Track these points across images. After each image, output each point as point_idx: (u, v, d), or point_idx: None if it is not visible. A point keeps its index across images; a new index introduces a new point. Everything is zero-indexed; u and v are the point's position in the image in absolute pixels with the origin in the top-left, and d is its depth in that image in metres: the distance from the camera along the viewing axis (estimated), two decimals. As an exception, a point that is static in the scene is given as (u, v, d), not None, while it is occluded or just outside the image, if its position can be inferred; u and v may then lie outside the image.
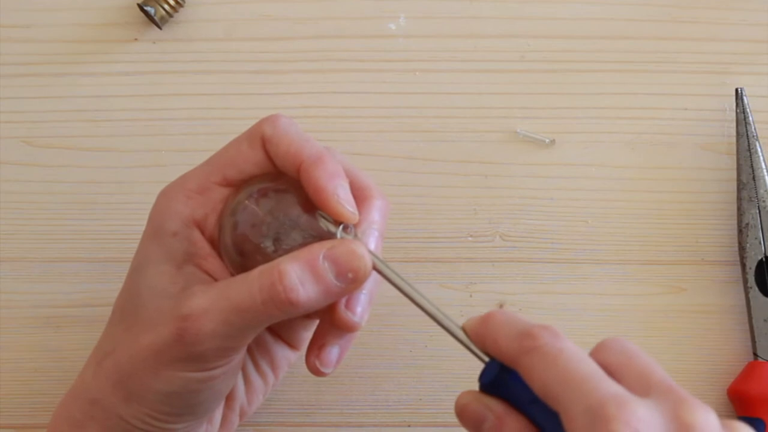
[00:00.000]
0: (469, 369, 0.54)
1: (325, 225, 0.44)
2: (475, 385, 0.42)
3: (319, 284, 0.42)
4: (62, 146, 0.56)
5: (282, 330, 0.50)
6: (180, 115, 0.56)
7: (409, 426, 0.54)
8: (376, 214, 0.46)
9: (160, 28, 0.56)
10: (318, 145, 0.45)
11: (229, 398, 0.49)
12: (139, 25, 0.57)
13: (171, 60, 0.56)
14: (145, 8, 0.56)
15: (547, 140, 0.56)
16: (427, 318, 0.52)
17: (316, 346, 0.46)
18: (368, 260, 0.43)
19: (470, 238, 0.55)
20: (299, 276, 0.42)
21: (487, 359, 0.41)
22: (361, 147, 0.56)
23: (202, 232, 0.46)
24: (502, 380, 0.41)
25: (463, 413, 0.41)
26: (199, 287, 0.44)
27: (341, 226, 0.44)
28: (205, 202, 0.45)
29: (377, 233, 0.45)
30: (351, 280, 0.43)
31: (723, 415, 0.54)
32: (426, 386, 0.54)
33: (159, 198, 0.46)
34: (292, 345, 0.50)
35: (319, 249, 0.43)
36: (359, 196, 0.45)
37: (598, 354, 0.40)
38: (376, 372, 0.55)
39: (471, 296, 0.54)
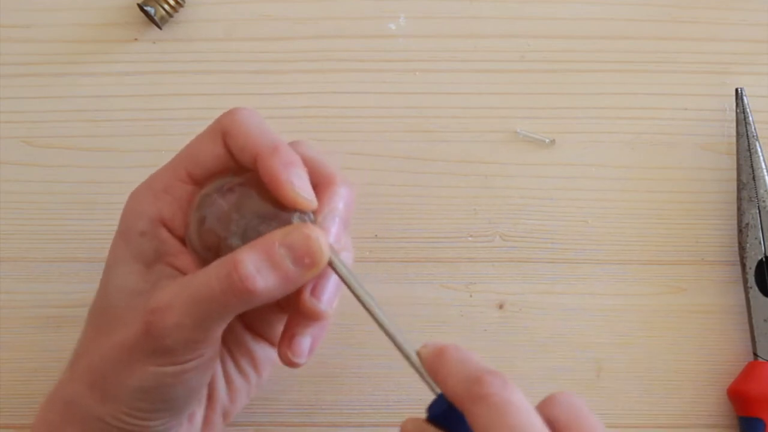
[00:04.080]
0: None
1: (285, 214, 0.44)
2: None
3: (276, 271, 0.42)
4: (62, 146, 0.56)
5: (260, 327, 0.49)
6: (180, 115, 0.56)
7: (409, 426, 0.54)
8: (337, 201, 0.45)
9: (160, 28, 0.56)
10: (275, 136, 0.45)
11: (210, 398, 0.49)
12: (139, 25, 0.57)
13: (171, 60, 0.56)
14: (145, 8, 0.56)
15: (547, 140, 0.56)
16: (427, 318, 0.52)
17: (287, 336, 0.46)
18: (325, 245, 0.43)
19: (470, 238, 0.55)
20: (256, 264, 0.42)
21: (438, 391, 0.41)
22: (361, 147, 0.56)
23: (171, 231, 0.46)
24: (450, 418, 0.40)
25: None
26: (166, 282, 0.44)
27: (297, 213, 0.44)
28: (172, 201, 0.46)
29: (338, 220, 0.45)
30: (308, 266, 0.43)
31: (723, 415, 0.54)
32: (426, 386, 0.54)
33: (128, 199, 0.47)
34: (273, 342, 0.50)
35: (275, 236, 0.43)
36: (322, 183, 0.45)
37: (545, 408, 0.40)
38: (376, 372, 0.55)
39: (471, 296, 0.54)
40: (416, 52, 0.56)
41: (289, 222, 0.44)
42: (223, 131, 0.45)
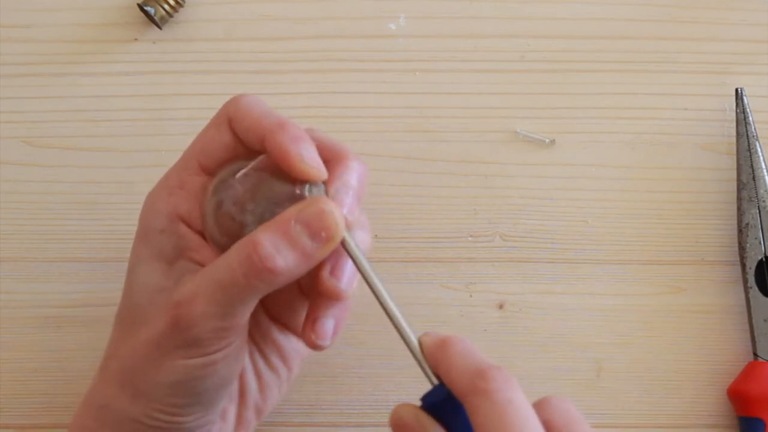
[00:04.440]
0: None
1: (298, 190, 0.44)
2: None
3: (295, 249, 0.42)
4: (62, 146, 0.56)
5: (285, 317, 0.49)
6: (180, 115, 0.56)
7: (409, 426, 0.54)
8: (350, 174, 0.45)
9: (160, 28, 0.56)
10: (280, 116, 0.45)
11: (242, 394, 0.49)
12: (139, 25, 0.57)
13: (171, 60, 0.56)
14: (145, 8, 0.56)
15: (547, 140, 0.56)
16: (427, 318, 0.52)
17: (310, 319, 0.46)
18: (339, 217, 0.43)
19: (470, 238, 0.55)
20: (274, 244, 0.42)
21: (436, 382, 0.42)
22: (361, 147, 0.56)
23: (190, 225, 0.46)
24: (447, 408, 0.41)
25: (397, 427, 0.42)
26: (189, 276, 0.44)
27: (307, 186, 0.44)
28: (187, 195, 0.46)
29: (352, 193, 0.45)
30: (325, 239, 0.43)
31: (723, 415, 0.54)
32: (426, 386, 0.54)
33: (144, 201, 0.47)
34: (299, 334, 0.50)
35: (290, 214, 0.43)
36: (333, 158, 0.45)
37: (542, 411, 0.40)
38: (376, 372, 0.55)
39: (471, 296, 0.54)
40: (416, 52, 0.56)
41: (302, 197, 0.44)
42: (229, 117, 0.45)
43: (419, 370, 0.55)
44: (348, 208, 0.44)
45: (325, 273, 0.45)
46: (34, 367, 0.55)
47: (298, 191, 0.44)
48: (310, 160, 0.43)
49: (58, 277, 0.55)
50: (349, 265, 0.45)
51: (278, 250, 0.42)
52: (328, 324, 0.46)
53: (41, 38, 0.56)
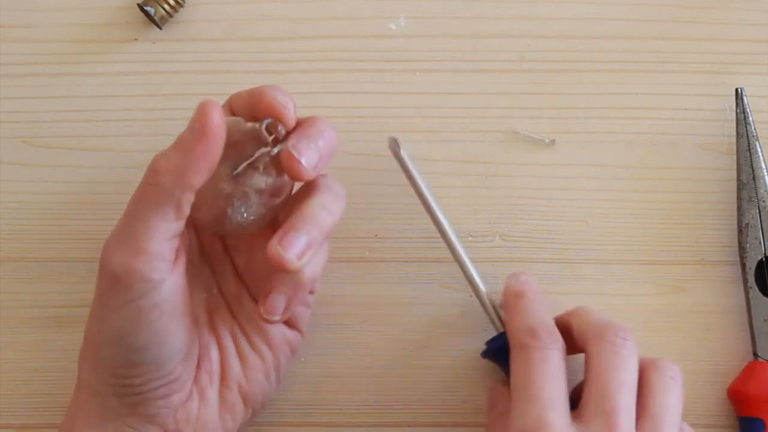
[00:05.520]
0: (470, 368, 0.54)
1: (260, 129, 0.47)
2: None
3: (177, 147, 0.45)
4: (62, 146, 0.56)
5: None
6: (180, 115, 0.56)
7: (409, 426, 0.54)
8: (316, 132, 0.47)
9: (160, 28, 0.56)
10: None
11: (223, 375, 0.49)
12: (139, 25, 0.57)
13: (171, 60, 0.56)
14: (145, 8, 0.56)
15: (547, 140, 0.56)
16: (427, 318, 0.52)
17: (263, 294, 0.47)
18: (215, 110, 0.44)
19: (470, 238, 0.55)
20: (165, 152, 0.45)
21: (502, 330, 0.51)
22: (361, 147, 0.56)
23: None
24: (505, 353, 0.49)
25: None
26: None
27: (266, 122, 0.46)
28: None
29: (313, 146, 0.46)
30: (198, 129, 0.44)
31: (723, 415, 0.54)
32: (426, 386, 0.54)
33: None
34: (286, 322, 0.51)
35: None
36: (306, 120, 0.48)
37: (643, 376, 0.48)
38: (376, 372, 0.55)
39: (471, 296, 0.53)
40: (416, 52, 0.56)
41: (267, 145, 0.46)
42: (229, 103, 0.49)
43: (419, 370, 0.55)
44: (307, 158, 0.46)
45: (274, 240, 0.45)
46: (34, 367, 0.55)
47: (259, 131, 0.46)
48: (280, 99, 0.46)
49: (58, 277, 0.55)
50: (301, 239, 0.46)
51: (165, 155, 0.45)
52: (278, 300, 0.47)
53: (41, 38, 0.56)
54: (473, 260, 0.52)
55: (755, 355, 0.54)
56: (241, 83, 0.56)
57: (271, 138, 0.47)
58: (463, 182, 0.56)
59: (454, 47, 0.56)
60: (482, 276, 0.52)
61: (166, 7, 0.56)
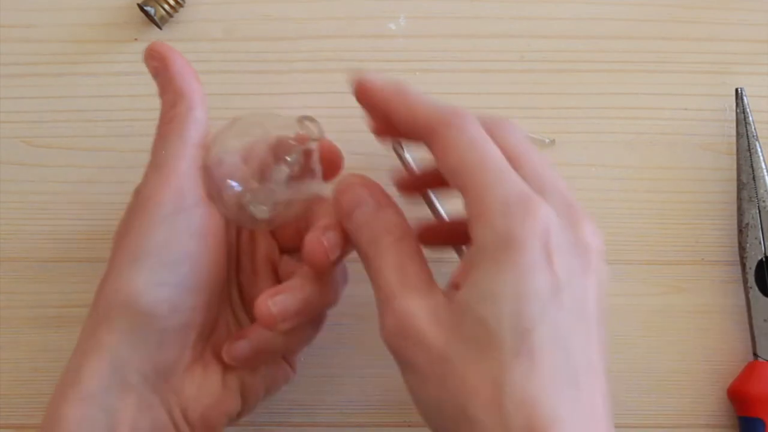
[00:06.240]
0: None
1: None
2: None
3: (161, 92, 0.48)
4: (62, 146, 0.56)
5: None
6: (180, 115, 0.56)
7: (409, 426, 0.54)
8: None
9: (160, 28, 0.56)
10: None
11: (208, 332, 0.48)
12: (139, 25, 0.57)
13: (171, 60, 0.56)
14: (145, 8, 0.56)
15: (547, 140, 0.56)
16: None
17: (238, 335, 0.48)
18: (171, 52, 0.47)
19: (470, 238, 0.55)
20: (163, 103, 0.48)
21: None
22: (361, 147, 0.56)
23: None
24: None
25: (342, 194, 0.45)
26: None
27: (300, 118, 0.48)
28: None
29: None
30: (154, 56, 0.48)
31: (723, 415, 0.54)
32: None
33: None
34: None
35: None
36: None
37: (496, 138, 0.42)
38: (376, 372, 0.55)
39: (471, 296, 0.53)
40: (416, 52, 0.56)
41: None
42: None
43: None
44: (331, 249, 0.46)
45: (264, 295, 0.45)
46: (34, 367, 0.55)
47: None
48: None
49: (58, 277, 0.55)
50: (292, 300, 0.45)
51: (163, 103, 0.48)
52: (241, 345, 0.47)
53: (41, 38, 0.56)
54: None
55: (755, 355, 0.54)
56: (241, 83, 0.56)
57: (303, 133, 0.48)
58: (463, 182, 0.55)
59: (454, 47, 0.56)
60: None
61: (166, 7, 0.56)
